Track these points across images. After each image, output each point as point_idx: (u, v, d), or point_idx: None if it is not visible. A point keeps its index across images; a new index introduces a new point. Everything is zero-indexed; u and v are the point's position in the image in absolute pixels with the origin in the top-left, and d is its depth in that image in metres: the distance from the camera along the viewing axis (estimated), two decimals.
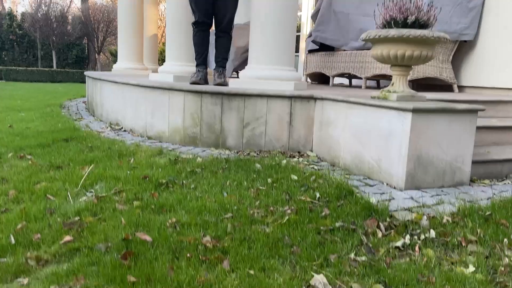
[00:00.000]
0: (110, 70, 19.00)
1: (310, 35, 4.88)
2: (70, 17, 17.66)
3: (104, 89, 4.17)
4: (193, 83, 3.29)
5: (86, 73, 5.69)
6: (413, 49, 2.22)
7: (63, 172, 2.31)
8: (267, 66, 3.07)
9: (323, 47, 4.83)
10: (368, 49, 4.04)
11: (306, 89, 3.22)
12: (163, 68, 3.86)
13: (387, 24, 2.33)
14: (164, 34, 18.60)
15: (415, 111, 2.07)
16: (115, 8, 17.43)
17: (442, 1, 3.61)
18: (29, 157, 2.64)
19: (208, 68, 3.56)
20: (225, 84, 3.29)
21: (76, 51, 19.18)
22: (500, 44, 3.71)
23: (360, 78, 4.30)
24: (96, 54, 17.74)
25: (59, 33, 16.61)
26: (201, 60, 3.45)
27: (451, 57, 3.86)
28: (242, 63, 6.85)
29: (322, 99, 2.75)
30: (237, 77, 5.78)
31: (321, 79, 5.24)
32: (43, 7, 15.93)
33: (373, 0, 4.11)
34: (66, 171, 2.31)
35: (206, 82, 3.42)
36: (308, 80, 5.29)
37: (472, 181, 2.36)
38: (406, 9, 2.26)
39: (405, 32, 2.17)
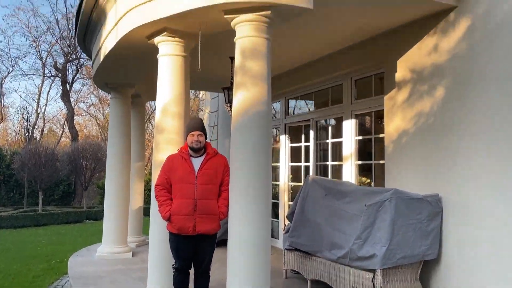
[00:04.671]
0: (97, 204, 19.17)
1: (286, 232, 5.15)
2: (59, 155, 18.21)
3: None
4: None
5: (70, 270, 5.73)
6: None
7: None
8: None
9: None
10: (342, 264, 4.25)
11: None
12: None
13: None
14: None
15: None
16: (102, 147, 18.14)
17: (404, 228, 3.94)
18: None
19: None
20: None
21: (63, 187, 19.45)
22: (462, 261, 3.97)
23: None
24: (83, 190, 17.98)
25: (47, 171, 16.97)
26: None
27: (418, 274, 4.09)
28: (224, 233, 7.06)
29: None
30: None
31: None
32: (33, 150, 16.48)
33: (343, 215, 4.47)
34: None
35: None
36: (289, 269, 5.40)
37: None
38: None
39: None
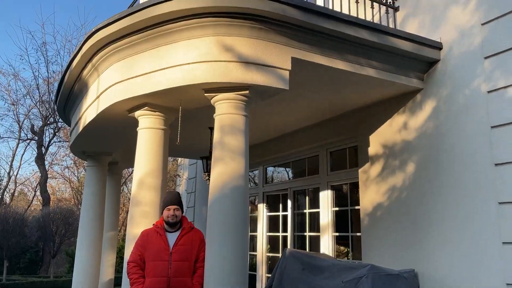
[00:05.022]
0: (65, 273, 18.15)
1: None
2: (29, 220, 17.52)
3: None
4: None
5: None
6: None
7: None
8: None
9: None
10: None
11: None
12: None
13: None
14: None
15: None
16: (75, 211, 17.61)
17: None
18: None
19: None
20: None
21: (30, 255, 18.48)
22: None
23: None
24: (51, 258, 17.11)
25: (15, 238, 16.21)
26: None
27: None
28: None
29: None
30: None
31: None
32: (1, 215, 15.84)
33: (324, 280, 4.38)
34: None
35: None
36: None
37: None
38: None
39: None
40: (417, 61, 4.32)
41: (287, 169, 7.34)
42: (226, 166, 3.61)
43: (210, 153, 6.38)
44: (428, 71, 4.41)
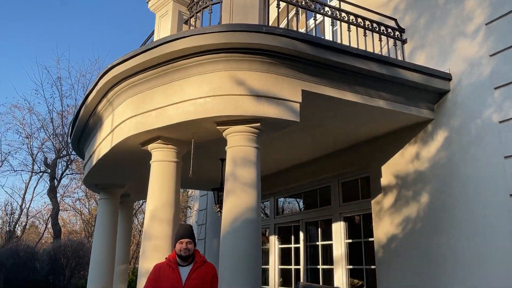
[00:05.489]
0: None
1: None
2: (39, 253, 17.47)
3: None
4: None
5: None
6: None
7: None
8: None
9: None
10: None
11: None
12: None
13: None
14: None
15: None
16: (85, 244, 17.56)
17: None
18: None
19: None
20: None
21: None
22: None
23: None
24: None
25: (25, 272, 16.15)
26: None
27: None
28: None
29: None
30: None
31: None
32: (13, 248, 15.84)
33: None
34: None
35: None
36: None
37: None
38: None
39: None
40: (427, 92, 4.35)
41: (298, 200, 7.29)
42: (238, 198, 3.61)
43: (221, 184, 6.38)
44: (438, 101, 4.43)
